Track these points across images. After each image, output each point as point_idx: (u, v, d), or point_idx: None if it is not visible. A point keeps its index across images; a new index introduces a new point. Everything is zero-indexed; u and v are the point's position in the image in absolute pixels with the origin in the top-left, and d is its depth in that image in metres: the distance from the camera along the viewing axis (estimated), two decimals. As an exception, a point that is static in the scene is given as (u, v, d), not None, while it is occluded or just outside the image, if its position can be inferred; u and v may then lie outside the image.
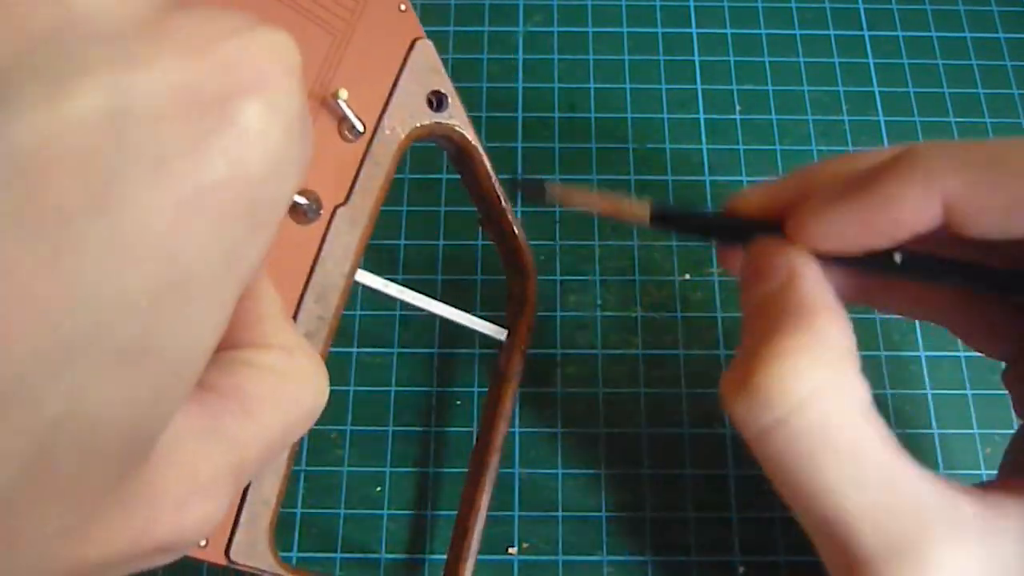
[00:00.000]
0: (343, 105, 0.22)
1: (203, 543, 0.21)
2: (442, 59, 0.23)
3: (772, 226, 0.18)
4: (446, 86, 0.24)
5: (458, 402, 0.29)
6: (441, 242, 0.31)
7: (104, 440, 0.11)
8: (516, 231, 0.26)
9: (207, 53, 0.11)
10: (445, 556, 0.24)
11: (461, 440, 0.28)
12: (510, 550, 0.27)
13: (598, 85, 0.34)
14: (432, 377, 0.29)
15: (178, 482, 0.13)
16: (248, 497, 0.21)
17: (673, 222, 0.19)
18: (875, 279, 0.20)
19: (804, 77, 0.34)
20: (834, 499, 0.15)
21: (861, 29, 0.35)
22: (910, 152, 0.16)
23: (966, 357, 0.29)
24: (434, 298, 0.25)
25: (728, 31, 0.35)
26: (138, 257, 0.11)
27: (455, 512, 0.25)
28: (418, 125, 0.23)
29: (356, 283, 0.23)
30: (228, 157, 0.11)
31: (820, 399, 0.15)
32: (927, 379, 0.29)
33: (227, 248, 0.12)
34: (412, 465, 0.28)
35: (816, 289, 0.16)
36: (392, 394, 0.29)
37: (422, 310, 0.25)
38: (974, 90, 0.34)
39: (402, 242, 0.31)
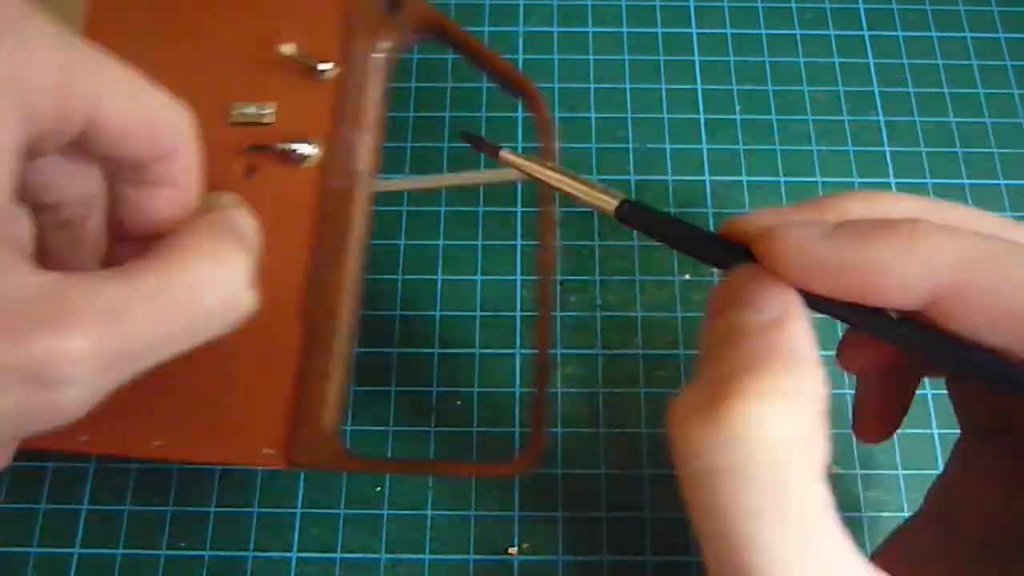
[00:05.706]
0: (296, 56, 0.23)
1: (269, 451, 0.22)
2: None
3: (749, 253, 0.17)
4: None
5: (458, 402, 0.29)
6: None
7: None
8: (517, 69, 0.27)
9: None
10: (444, 556, 0.24)
11: (461, 440, 0.28)
12: (510, 550, 0.27)
13: (598, 85, 0.34)
14: (433, 377, 0.29)
15: (55, 310, 0.14)
16: (304, 396, 0.22)
17: (642, 222, 0.18)
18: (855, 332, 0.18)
19: (804, 77, 0.34)
20: (759, 560, 0.13)
21: (861, 29, 0.35)
22: (914, 227, 0.15)
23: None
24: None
25: (728, 31, 0.35)
26: None
27: (455, 512, 0.25)
28: (387, 44, 0.25)
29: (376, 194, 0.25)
30: None
31: (786, 452, 0.14)
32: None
33: None
34: (412, 465, 0.28)
35: (805, 336, 0.15)
36: (392, 394, 0.29)
37: (435, 189, 0.28)
38: (974, 90, 0.34)
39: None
